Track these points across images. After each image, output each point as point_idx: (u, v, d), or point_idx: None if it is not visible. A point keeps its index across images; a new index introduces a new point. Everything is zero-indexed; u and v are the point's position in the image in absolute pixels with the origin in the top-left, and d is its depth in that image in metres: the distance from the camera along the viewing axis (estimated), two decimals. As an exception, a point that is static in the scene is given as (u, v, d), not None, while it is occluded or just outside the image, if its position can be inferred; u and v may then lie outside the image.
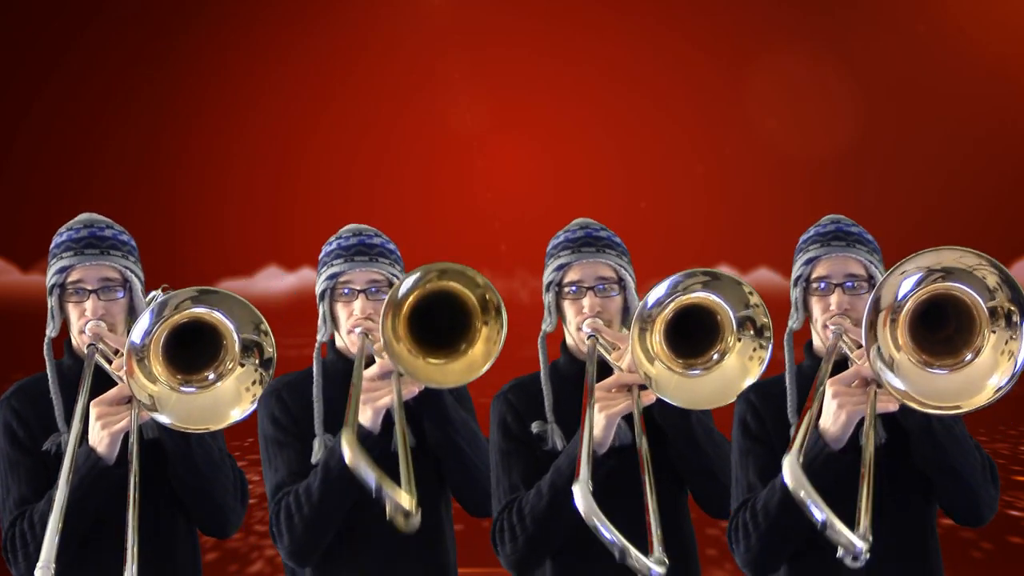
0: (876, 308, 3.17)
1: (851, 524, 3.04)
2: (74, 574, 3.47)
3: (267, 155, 7.98)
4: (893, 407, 3.30)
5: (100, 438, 3.43)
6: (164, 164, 7.93)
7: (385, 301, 3.43)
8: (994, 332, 3.16)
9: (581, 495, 3.20)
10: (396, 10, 8.00)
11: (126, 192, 7.78)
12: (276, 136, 7.98)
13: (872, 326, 3.17)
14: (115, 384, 3.51)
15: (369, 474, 3.25)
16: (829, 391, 3.33)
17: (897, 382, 3.18)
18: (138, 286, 3.65)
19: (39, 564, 3.12)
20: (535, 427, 3.64)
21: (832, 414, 3.32)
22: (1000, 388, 3.15)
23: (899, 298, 3.17)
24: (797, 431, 3.20)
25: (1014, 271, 8.24)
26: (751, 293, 3.41)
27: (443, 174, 7.93)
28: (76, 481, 3.36)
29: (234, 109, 7.96)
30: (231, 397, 3.42)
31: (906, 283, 3.17)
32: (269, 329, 3.43)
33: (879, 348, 3.17)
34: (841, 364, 3.45)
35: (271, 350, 3.43)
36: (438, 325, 3.48)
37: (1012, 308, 3.14)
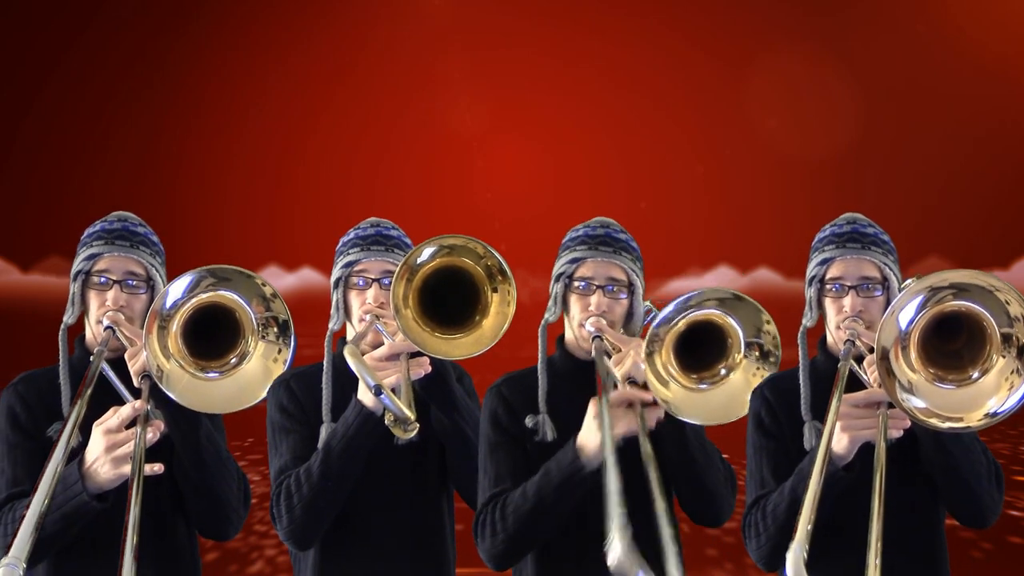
0: (884, 353, 3.21)
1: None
2: (79, 572, 3.52)
3: (267, 155, 7.98)
4: (897, 434, 3.33)
5: (103, 470, 3.44)
6: (164, 164, 7.92)
7: (400, 264, 3.46)
8: (1003, 357, 3.20)
9: (621, 549, 2.94)
10: (396, 10, 8.00)
11: (126, 192, 7.78)
12: (276, 136, 7.98)
13: (888, 370, 3.21)
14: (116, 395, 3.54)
15: (370, 379, 3.37)
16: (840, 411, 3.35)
17: (919, 402, 3.22)
18: (160, 288, 3.67)
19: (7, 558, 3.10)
20: (528, 421, 3.65)
21: (837, 435, 3.35)
22: (992, 414, 3.20)
23: (905, 328, 3.21)
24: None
25: (1014, 271, 8.24)
26: (768, 322, 3.43)
27: (443, 174, 7.93)
28: (56, 511, 3.37)
29: (234, 109, 7.95)
30: (260, 375, 3.50)
31: (906, 312, 3.21)
32: (276, 292, 3.49)
33: (899, 383, 3.22)
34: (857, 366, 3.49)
35: (284, 314, 3.49)
36: (448, 305, 3.51)
37: None
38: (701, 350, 3.48)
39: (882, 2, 7.93)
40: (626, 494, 3.32)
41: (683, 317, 3.43)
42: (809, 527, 3.08)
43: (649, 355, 3.40)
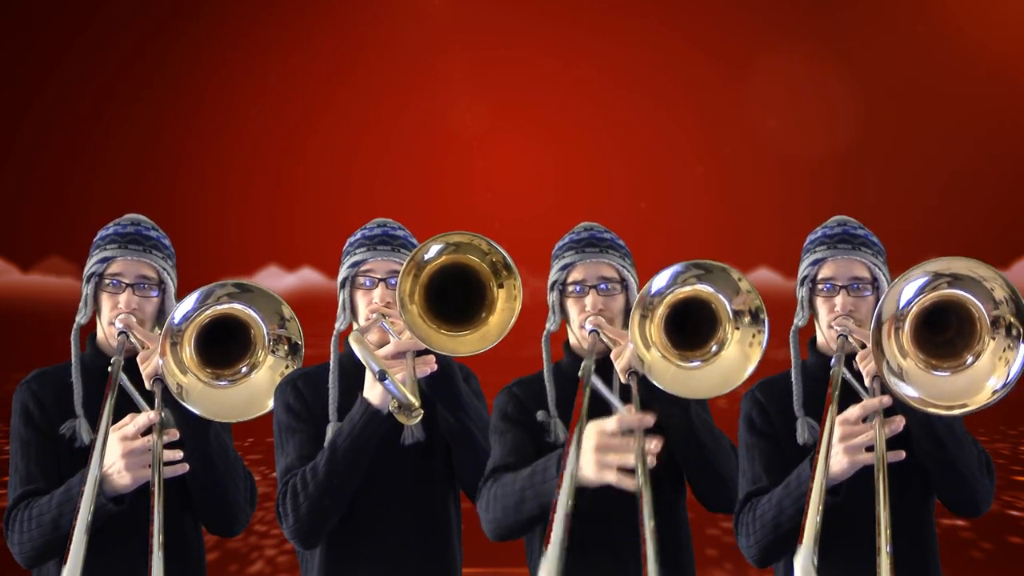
0: (879, 321, 3.30)
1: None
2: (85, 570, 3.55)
3: (267, 155, 7.99)
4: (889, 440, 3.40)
5: (122, 476, 3.53)
6: (164, 164, 7.93)
7: (407, 259, 3.48)
8: (994, 339, 3.31)
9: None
10: (396, 10, 8.00)
11: (126, 192, 7.79)
12: (276, 136, 7.98)
13: (878, 342, 3.30)
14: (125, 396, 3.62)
15: (375, 365, 3.43)
16: (837, 431, 3.41)
17: (910, 390, 3.32)
18: (172, 290, 3.77)
19: None
20: (540, 415, 3.69)
21: (835, 455, 3.41)
22: (997, 391, 3.30)
23: (902, 307, 3.31)
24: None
25: (1014, 271, 8.23)
26: (740, 280, 3.47)
27: (443, 174, 7.93)
28: (73, 512, 3.43)
29: (234, 109, 7.96)
30: (266, 386, 3.62)
31: (908, 289, 3.31)
32: (294, 315, 3.61)
33: (887, 362, 3.30)
34: (850, 362, 3.55)
35: (297, 337, 3.62)
36: (454, 302, 3.53)
37: (1014, 321, 3.28)
38: (691, 328, 3.51)
39: (882, 2, 7.93)
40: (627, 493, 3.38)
41: (671, 291, 3.47)
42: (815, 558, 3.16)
43: (641, 318, 3.44)
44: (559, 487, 3.18)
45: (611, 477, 3.29)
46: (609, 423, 3.33)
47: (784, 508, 3.47)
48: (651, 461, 3.27)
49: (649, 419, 3.33)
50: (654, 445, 3.28)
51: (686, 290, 3.48)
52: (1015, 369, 3.28)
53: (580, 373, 3.49)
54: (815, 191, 7.71)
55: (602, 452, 3.30)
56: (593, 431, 3.33)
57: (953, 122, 7.77)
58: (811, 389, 3.63)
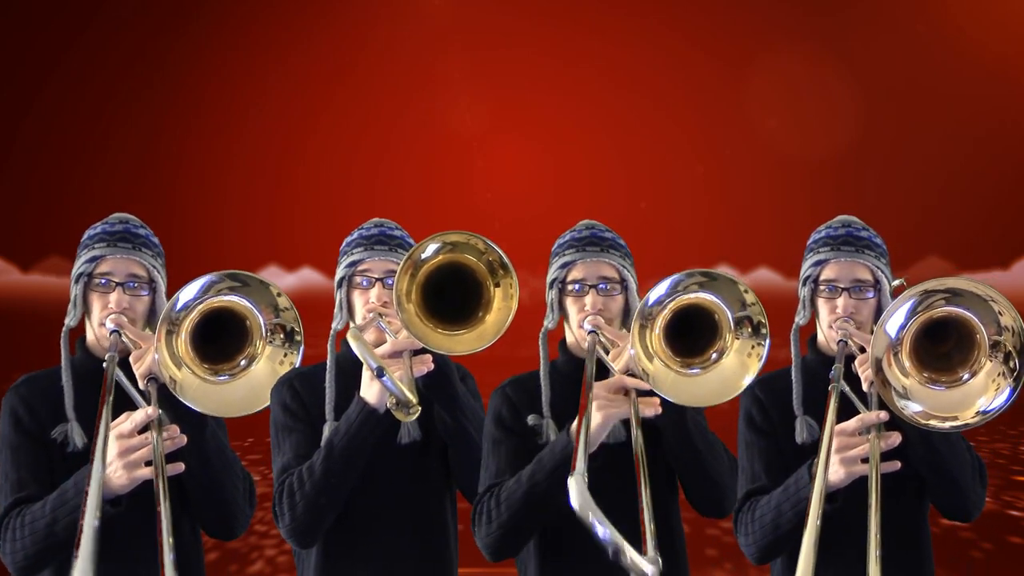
0: (877, 360, 3.34)
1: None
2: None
3: (267, 155, 7.98)
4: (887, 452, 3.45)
5: (119, 476, 3.46)
6: (164, 164, 7.92)
7: (404, 258, 3.48)
8: (991, 361, 3.34)
9: (576, 489, 3.18)
10: (396, 10, 8.00)
11: (126, 192, 7.78)
12: (276, 136, 7.98)
13: (883, 380, 3.34)
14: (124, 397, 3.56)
15: (372, 361, 3.43)
16: (835, 442, 3.44)
17: (915, 406, 3.36)
18: (162, 289, 3.72)
19: None
20: (531, 419, 3.68)
21: (832, 465, 3.44)
22: (983, 412, 3.34)
23: (895, 337, 3.35)
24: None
25: (1014, 271, 8.23)
26: (747, 292, 3.48)
27: (443, 174, 7.93)
28: (67, 516, 3.42)
29: (234, 109, 7.95)
30: (269, 377, 3.56)
31: (895, 319, 3.34)
32: (291, 305, 3.55)
33: (894, 389, 3.35)
34: (849, 364, 3.56)
35: (294, 324, 3.55)
36: (451, 301, 3.53)
37: (1012, 351, 3.31)
38: (692, 336, 3.52)
39: (882, 2, 7.93)
40: (621, 488, 3.39)
41: (673, 299, 3.47)
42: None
43: (641, 328, 3.45)
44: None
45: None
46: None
47: (783, 512, 3.51)
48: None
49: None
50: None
51: (688, 297, 3.49)
52: (1002, 399, 3.32)
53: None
54: (815, 191, 7.70)
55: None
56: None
57: (953, 122, 7.77)
58: (811, 387, 3.65)
